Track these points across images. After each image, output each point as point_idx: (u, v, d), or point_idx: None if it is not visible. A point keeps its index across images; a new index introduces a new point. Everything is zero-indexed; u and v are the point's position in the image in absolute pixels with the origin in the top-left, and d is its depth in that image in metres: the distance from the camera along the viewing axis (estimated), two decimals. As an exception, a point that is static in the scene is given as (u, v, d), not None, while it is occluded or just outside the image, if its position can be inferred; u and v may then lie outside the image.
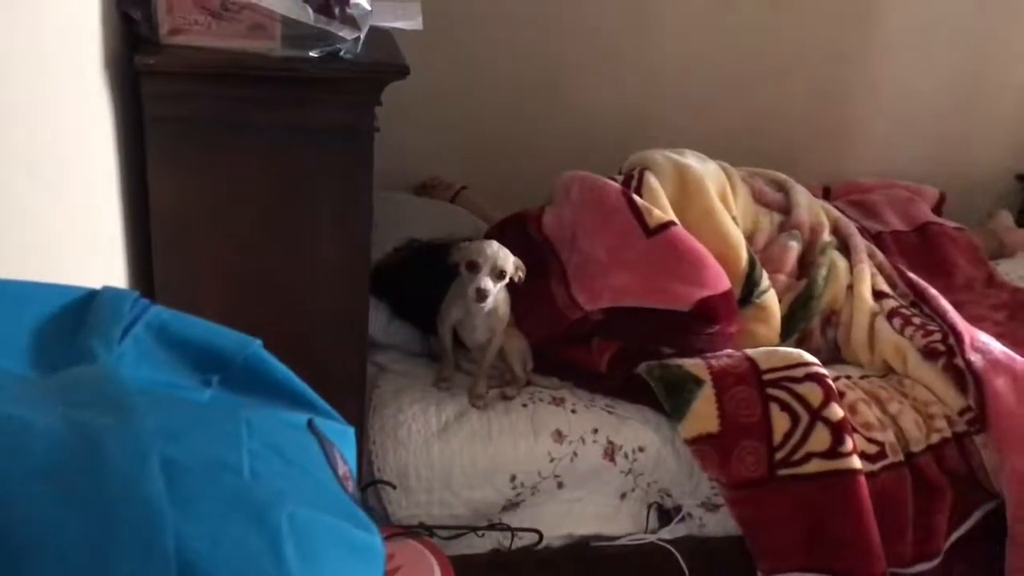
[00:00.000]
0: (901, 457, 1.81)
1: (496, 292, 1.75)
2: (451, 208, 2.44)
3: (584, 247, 1.95)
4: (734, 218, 2.17)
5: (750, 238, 2.20)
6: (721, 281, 1.92)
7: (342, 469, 0.52)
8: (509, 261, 1.76)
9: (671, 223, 1.94)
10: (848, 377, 1.97)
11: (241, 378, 0.55)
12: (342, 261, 1.50)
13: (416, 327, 2.04)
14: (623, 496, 1.90)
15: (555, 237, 2.01)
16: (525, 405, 1.89)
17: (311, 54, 1.32)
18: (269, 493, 0.42)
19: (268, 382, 0.56)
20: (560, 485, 1.85)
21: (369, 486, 1.74)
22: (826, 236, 2.19)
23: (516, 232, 2.04)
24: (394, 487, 1.76)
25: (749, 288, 2.09)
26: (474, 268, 1.73)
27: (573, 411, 1.89)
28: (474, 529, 1.79)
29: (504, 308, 1.86)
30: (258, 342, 0.59)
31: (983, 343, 1.90)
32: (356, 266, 1.52)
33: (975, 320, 2.04)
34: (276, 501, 0.41)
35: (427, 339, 2.05)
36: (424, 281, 1.97)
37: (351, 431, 0.59)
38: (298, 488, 0.45)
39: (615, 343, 1.96)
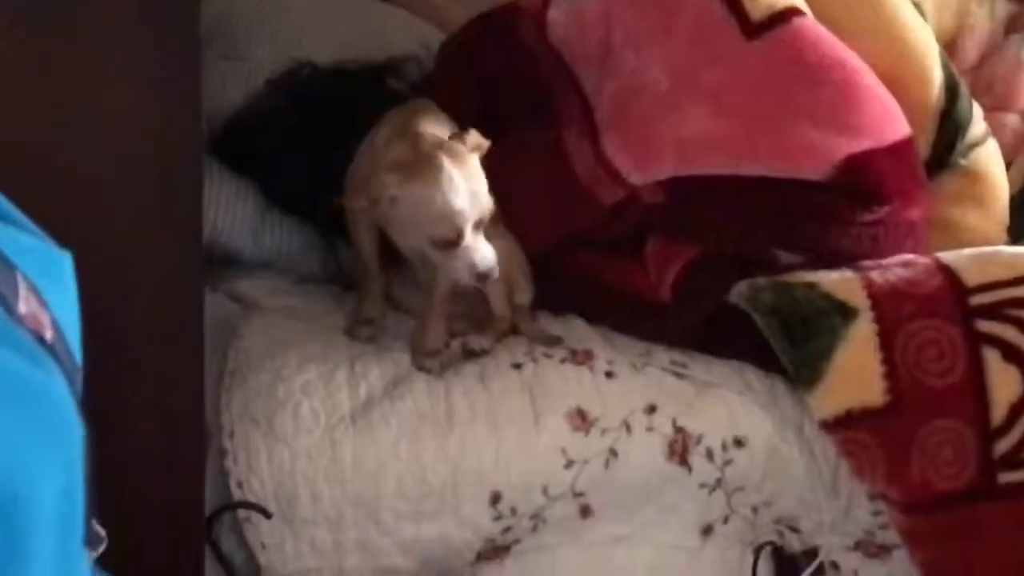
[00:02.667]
0: None
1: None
2: (375, 6, 2.47)
3: (629, 64, 2.00)
4: (917, 4, 2.16)
5: (951, 45, 2.20)
6: (891, 123, 1.95)
7: (26, 306, 0.55)
8: (483, 185, 1.85)
9: (793, 11, 1.97)
10: None
11: None
12: (152, 100, 1.52)
13: (311, 226, 2.14)
14: (706, 531, 1.94)
15: (572, 47, 2.07)
16: (519, 365, 1.96)
17: None
18: None
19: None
20: (586, 512, 1.90)
21: (221, 514, 1.79)
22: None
23: (498, 42, 2.12)
24: (268, 515, 1.79)
25: (948, 138, 2.10)
26: (449, 241, 1.83)
27: (609, 374, 1.94)
28: (425, 599, 1.85)
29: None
30: None
31: None
32: (178, 108, 1.55)
33: None
34: None
35: (332, 249, 2.14)
36: (324, 141, 2.06)
37: (65, 262, 0.64)
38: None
39: (688, 247, 2.01)
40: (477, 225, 1.83)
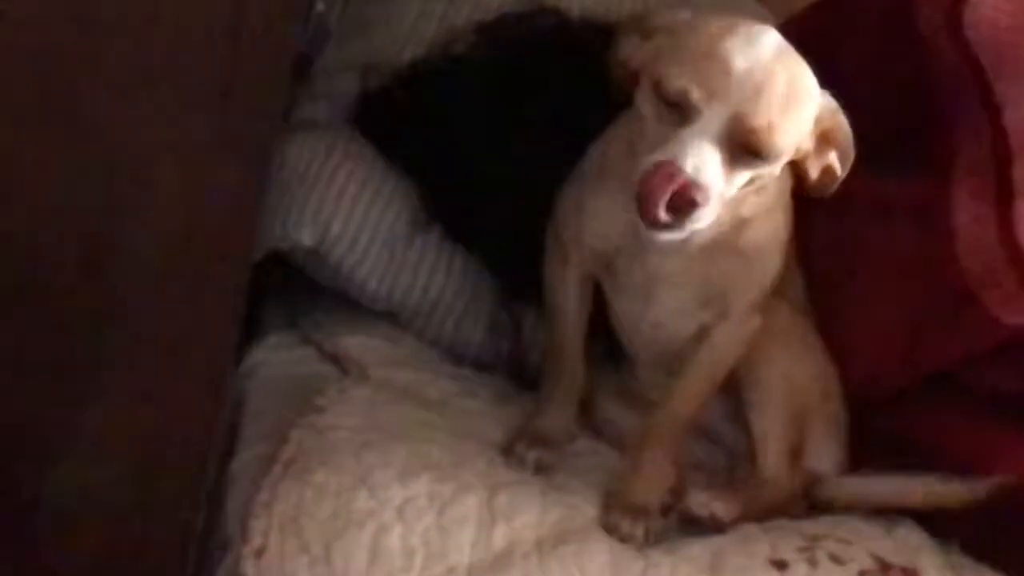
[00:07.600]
0: None
1: (729, 189, 1.55)
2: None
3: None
4: None
5: None
6: None
7: None
8: (800, 112, 1.54)
9: None
10: None
11: None
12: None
13: (481, 265, 1.85)
14: None
15: (1001, 46, 1.76)
16: (782, 565, 1.61)
17: None
18: None
19: None
20: None
21: None
22: None
23: (879, 26, 1.85)
24: None
25: None
26: (677, 106, 1.52)
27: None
28: None
29: (769, 237, 1.67)
30: None
31: None
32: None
33: None
34: None
35: (509, 310, 1.85)
36: (542, 126, 1.76)
37: None
38: None
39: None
40: (732, 133, 1.48)
